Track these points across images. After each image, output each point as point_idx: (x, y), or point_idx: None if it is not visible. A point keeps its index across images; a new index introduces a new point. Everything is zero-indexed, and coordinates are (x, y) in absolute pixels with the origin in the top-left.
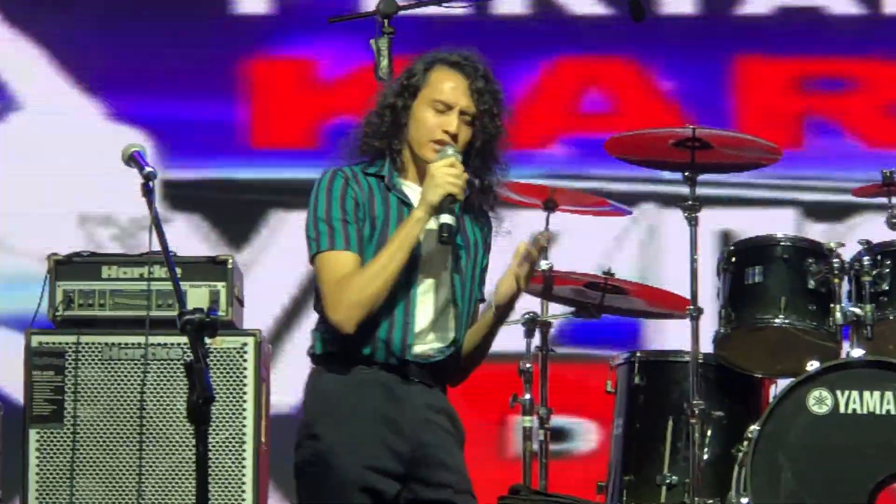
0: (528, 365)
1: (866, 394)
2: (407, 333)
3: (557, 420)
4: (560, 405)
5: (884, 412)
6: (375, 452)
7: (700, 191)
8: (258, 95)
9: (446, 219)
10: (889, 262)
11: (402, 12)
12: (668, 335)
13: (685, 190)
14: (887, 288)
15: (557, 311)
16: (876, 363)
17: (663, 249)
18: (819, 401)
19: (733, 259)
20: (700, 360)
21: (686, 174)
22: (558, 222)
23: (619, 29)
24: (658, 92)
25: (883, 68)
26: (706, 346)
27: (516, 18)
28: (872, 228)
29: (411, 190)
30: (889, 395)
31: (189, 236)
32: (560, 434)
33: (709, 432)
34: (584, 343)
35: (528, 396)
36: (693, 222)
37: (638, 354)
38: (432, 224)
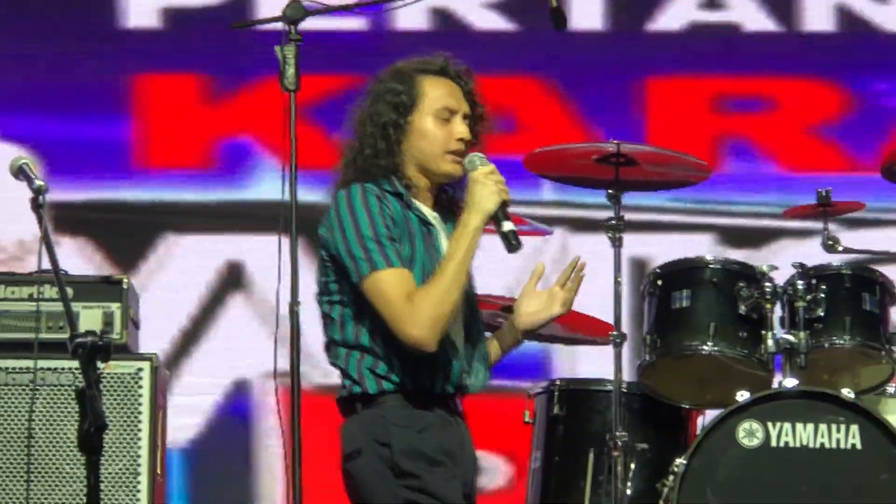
0: None
1: (799, 426)
2: (460, 359)
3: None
4: (475, 436)
5: (817, 446)
6: (460, 489)
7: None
8: (149, 113)
9: (510, 226)
10: (824, 287)
11: (304, 26)
12: (582, 363)
13: (600, 214)
14: (822, 314)
15: None
16: (809, 394)
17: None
18: (749, 433)
19: (659, 282)
20: (623, 390)
21: (610, 192)
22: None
23: (524, 45)
24: (565, 112)
25: (801, 87)
26: (629, 375)
27: (416, 34)
28: (794, 254)
29: (424, 208)
30: (823, 427)
31: (77, 260)
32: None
33: (632, 466)
34: (496, 371)
35: None
36: (617, 242)
37: (558, 383)
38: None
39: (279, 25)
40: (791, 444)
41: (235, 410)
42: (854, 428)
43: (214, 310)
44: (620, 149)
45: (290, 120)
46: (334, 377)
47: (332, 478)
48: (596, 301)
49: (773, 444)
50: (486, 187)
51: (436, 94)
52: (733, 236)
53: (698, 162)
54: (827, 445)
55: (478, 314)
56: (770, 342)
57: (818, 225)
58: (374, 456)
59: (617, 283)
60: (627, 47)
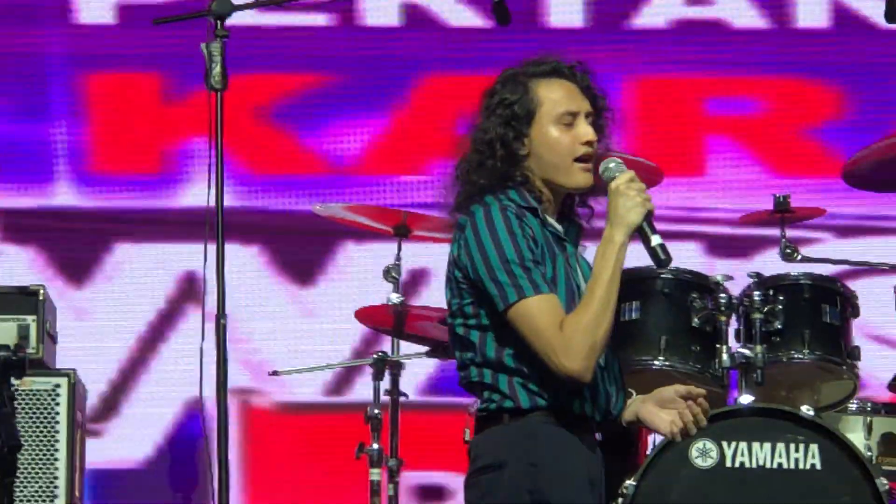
0: (376, 411)
1: (755, 445)
2: (606, 382)
3: (409, 473)
4: (412, 456)
5: (775, 466)
6: None
7: None
8: (95, 115)
9: (658, 239)
10: (782, 298)
11: (238, 22)
12: None
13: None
14: (780, 327)
15: (410, 351)
16: (766, 411)
17: None
18: (703, 453)
19: None
20: None
21: None
22: (411, 250)
23: (499, 42)
24: None
25: (793, 86)
26: None
27: (384, 29)
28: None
29: (554, 223)
30: (781, 447)
31: (21, 269)
32: (412, 490)
33: None
34: (440, 387)
35: (376, 446)
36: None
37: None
38: None
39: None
40: (747, 465)
41: (187, 429)
42: (813, 447)
43: (169, 321)
44: None
45: (216, 121)
46: (298, 394)
47: (264, 492)
48: None
49: (728, 464)
50: (629, 198)
51: (554, 98)
52: (719, 245)
53: (650, 165)
54: (785, 466)
55: (615, 334)
56: (725, 356)
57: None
58: (517, 474)
59: None
60: (608, 45)
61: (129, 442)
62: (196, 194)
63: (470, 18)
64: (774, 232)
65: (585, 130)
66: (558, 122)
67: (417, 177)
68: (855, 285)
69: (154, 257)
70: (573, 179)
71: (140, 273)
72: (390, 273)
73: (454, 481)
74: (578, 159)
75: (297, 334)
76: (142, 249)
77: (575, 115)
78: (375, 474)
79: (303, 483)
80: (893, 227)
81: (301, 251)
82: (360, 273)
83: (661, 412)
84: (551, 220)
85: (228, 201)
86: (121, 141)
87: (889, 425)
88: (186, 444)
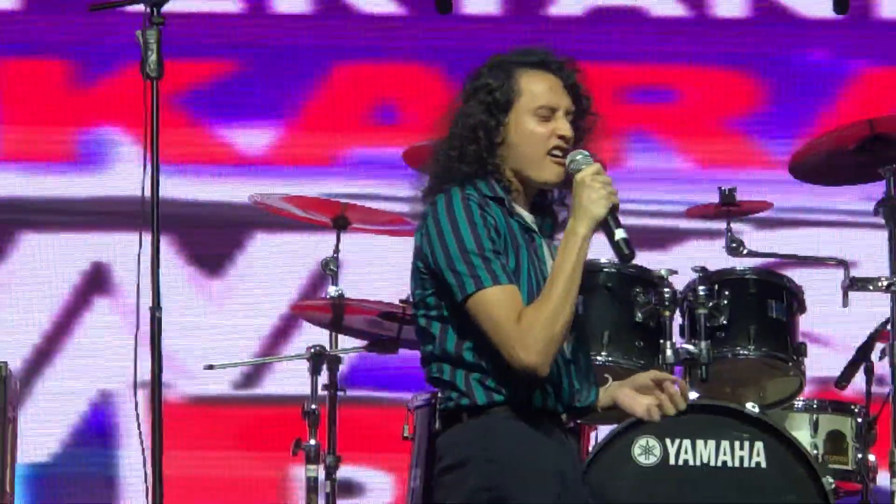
0: (313, 406)
1: (699, 443)
2: (571, 376)
3: (347, 470)
4: (351, 453)
5: (719, 464)
6: None
7: None
8: (3, 101)
9: (622, 234)
10: (727, 293)
11: (168, 8)
12: None
13: None
14: (725, 322)
15: (348, 345)
16: (711, 408)
17: None
18: (646, 450)
19: None
20: None
21: None
22: (350, 243)
23: (411, 30)
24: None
25: (710, 76)
26: None
27: (298, 17)
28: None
29: (524, 213)
30: (725, 444)
31: None
32: (350, 487)
33: None
34: (379, 382)
35: (313, 442)
36: None
37: (439, 395)
38: None
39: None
40: (691, 462)
41: (97, 423)
42: (759, 445)
43: (78, 314)
44: None
45: (151, 110)
46: (208, 387)
47: (197, 490)
48: None
49: (672, 461)
50: (594, 190)
51: (534, 90)
52: (636, 238)
53: None
54: (729, 464)
55: (583, 328)
56: (669, 352)
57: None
58: (476, 472)
59: None
60: (523, 33)
61: (36, 437)
62: (105, 184)
63: (383, 5)
64: (690, 224)
65: (562, 126)
66: (535, 114)
67: (330, 167)
68: (800, 280)
69: (61, 247)
70: (543, 173)
71: (45, 264)
72: (328, 265)
73: (393, 477)
74: (551, 153)
75: (211, 327)
76: (48, 239)
77: (553, 110)
78: (312, 471)
79: (233, 480)
80: (834, 220)
81: (212, 242)
82: (271, 265)
83: (638, 397)
84: (520, 210)
85: (138, 191)
86: (27, 128)
87: (835, 423)
88: (97, 439)
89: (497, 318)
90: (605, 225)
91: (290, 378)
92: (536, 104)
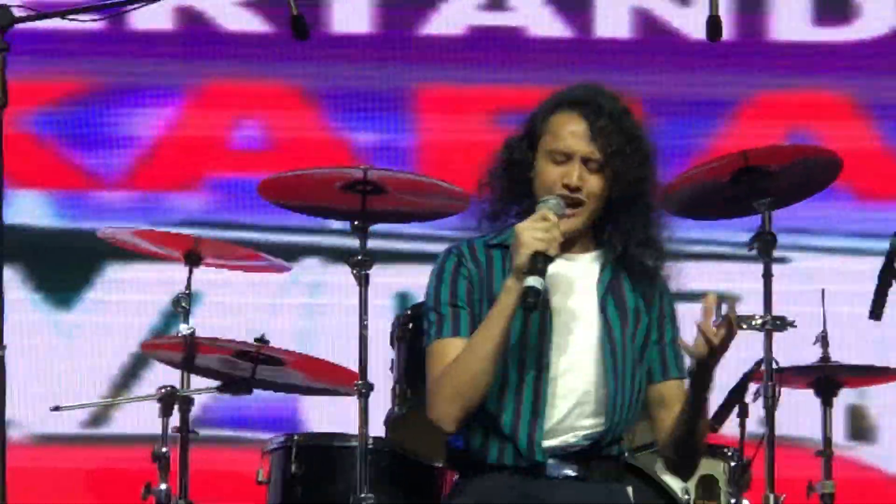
0: (164, 449)
1: None
2: (535, 429)
3: None
4: (202, 497)
5: None
6: None
7: (373, 243)
8: None
9: (531, 281)
10: None
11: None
12: (332, 415)
13: (354, 242)
14: None
15: (200, 385)
16: None
17: (328, 313)
18: None
19: (410, 325)
20: (370, 446)
21: (355, 223)
22: (202, 279)
23: (280, 49)
24: (322, 127)
25: None
26: (377, 429)
27: (156, 34)
28: None
29: (565, 258)
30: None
31: None
32: None
33: None
34: (233, 424)
35: (164, 486)
36: (363, 281)
37: (296, 438)
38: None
39: None
40: None
41: None
42: (627, 490)
43: None
44: (368, 175)
45: None
46: (57, 427)
47: None
48: (342, 346)
49: None
50: (520, 238)
51: (557, 131)
52: None
53: (455, 189)
54: None
55: (632, 362)
56: None
57: None
58: None
59: (363, 327)
60: (396, 53)
61: None
62: None
63: (248, 23)
64: None
65: (571, 173)
66: (549, 157)
67: (189, 193)
68: None
69: None
70: None
71: None
72: (180, 303)
73: None
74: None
75: (60, 363)
76: None
77: (568, 155)
78: None
79: None
80: (710, 252)
81: (61, 273)
82: (121, 299)
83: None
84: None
85: None
86: None
87: (708, 467)
88: None
89: (428, 373)
90: (529, 273)
91: (139, 420)
92: (549, 147)
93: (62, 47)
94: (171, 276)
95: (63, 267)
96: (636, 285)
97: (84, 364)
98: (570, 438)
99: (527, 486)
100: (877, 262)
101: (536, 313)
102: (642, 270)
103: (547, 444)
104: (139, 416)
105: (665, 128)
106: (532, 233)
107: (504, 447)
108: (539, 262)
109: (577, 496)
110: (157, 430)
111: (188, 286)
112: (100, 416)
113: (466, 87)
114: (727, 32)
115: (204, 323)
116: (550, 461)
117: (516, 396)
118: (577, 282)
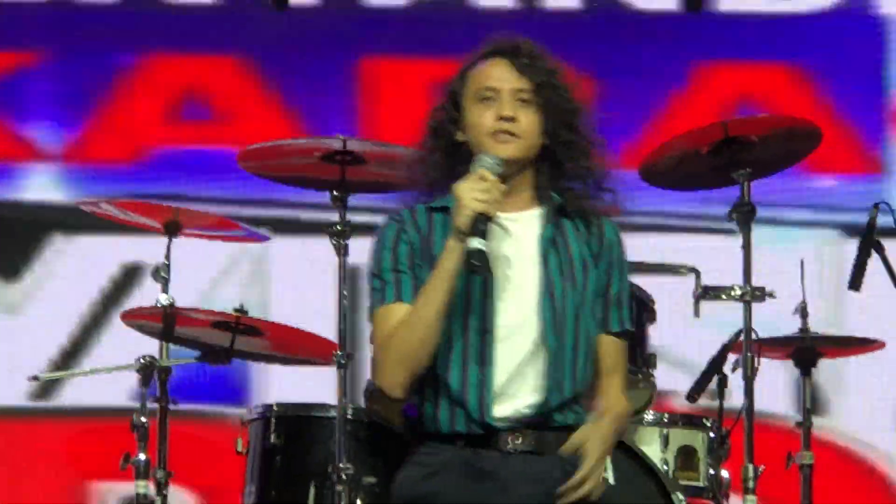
0: (143, 419)
1: None
2: (484, 392)
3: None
4: (182, 468)
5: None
6: None
7: (356, 218)
8: None
9: (475, 243)
10: None
11: None
12: (312, 386)
13: (332, 215)
14: None
15: (179, 355)
16: None
17: (307, 284)
18: None
19: None
20: (349, 416)
21: (334, 194)
22: (181, 248)
23: (223, 21)
24: (268, 97)
25: None
26: (357, 400)
27: (101, 7)
28: None
29: (506, 211)
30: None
31: None
32: None
33: (358, 501)
34: (212, 394)
35: (143, 457)
36: (343, 251)
37: (275, 408)
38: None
39: None
40: None
41: None
42: (606, 460)
43: None
44: (347, 146)
45: None
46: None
47: None
48: (320, 316)
49: None
50: (460, 200)
51: (479, 76)
52: None
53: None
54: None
55: (575, 318)
56: None
57: None
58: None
59: (342, 297)
60: (341, 24)
61: None
62: None
63: None
64: None
65: (505, 106)
66: (477, 98)
67: (136, 163)
68: (650, 288)
69: None
70: (498, 153)
71: None
72: (159, 273)
73: (226, 497)
74: (496, 136)
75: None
76: None
77: (496, 90)
78: (142, 486)
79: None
80: (686, 225)
81: (9, 246)
82: (74, 269)
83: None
84: (503, 213)
85: None
86: None
87: (687, 438)
88: None
89: (374, 339)
90: (470, 234)
91: (118, 391)
92: (476, 87)
93: (6, 18)
94: (121, 247)
95: (9, 239)
96: (582, 237)
97: (30, 337)
98: (520, 406)
99: (479, 459)
100: (823, 234)
101: (509, 262)
102: (585, 214)
103: (498, 410)
104: (117, 387)
105: (613, 100)
106: (472, 193)
107: (455, 412)
108: (480, 223)
109: (529, 469)
110: (136, 399)
111: (167, 256)
112: (49, 388)
113: (410, 59)
114: (675, 4)
115: (182, 293)
116: (502, 432)
117: (463, 359)
118: (520, 240)
